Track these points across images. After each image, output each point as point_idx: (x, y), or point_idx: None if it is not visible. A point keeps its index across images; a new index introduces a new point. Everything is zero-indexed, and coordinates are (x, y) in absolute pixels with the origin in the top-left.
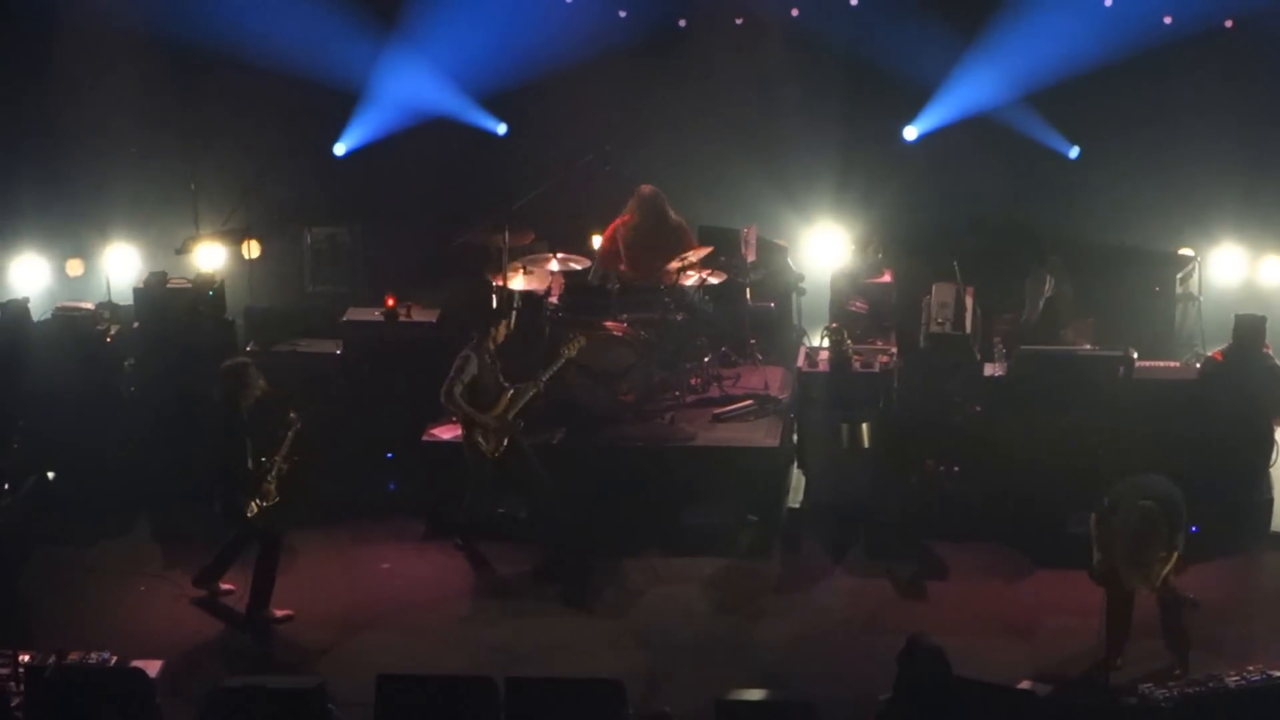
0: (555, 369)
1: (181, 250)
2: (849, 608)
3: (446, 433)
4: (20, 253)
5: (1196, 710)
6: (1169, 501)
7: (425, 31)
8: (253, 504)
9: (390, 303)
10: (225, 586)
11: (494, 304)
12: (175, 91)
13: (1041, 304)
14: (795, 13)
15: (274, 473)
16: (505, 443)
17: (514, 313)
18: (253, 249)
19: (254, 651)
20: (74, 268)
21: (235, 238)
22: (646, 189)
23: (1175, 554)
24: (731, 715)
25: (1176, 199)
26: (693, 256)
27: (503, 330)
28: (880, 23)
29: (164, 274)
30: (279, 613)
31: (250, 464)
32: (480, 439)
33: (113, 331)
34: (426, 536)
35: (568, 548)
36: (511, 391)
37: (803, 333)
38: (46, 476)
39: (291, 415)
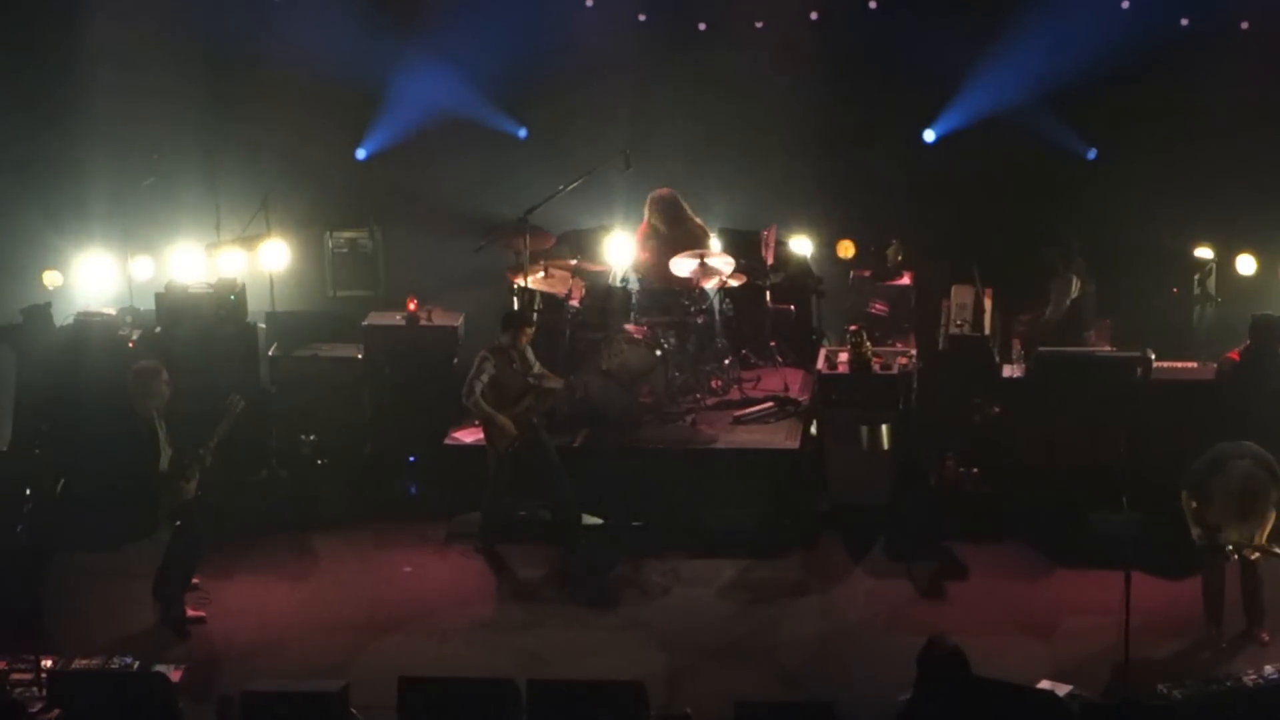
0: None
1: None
2: (868, 608)
3: (468, 436)
4: (44, 257)
5: (1214, 709)
6: (1264, 459)
7: (445, 35)
8: (164, 500)
9: (411, 306)
10: (192, 581)
11: (515, 305)
12: (196, 97)
13: (1067, 304)
14: (814, 16)
15: (196, 468)
16: (522, 441)
17: (535, 315)
18: (275, 254)
19: (275, 655)
20: (95, 272)
21: (256, 243)
22: (663, 191)
23: (1274, 514)
24: (751, 716)
25: (1193, 200)
26: (709, 257)
27: (525, 337)
28: (899, 25)
29: (185, 280)
30: (192, 612)
31: (164, 465)
32: (494, 436)
33: (134, 336)
34: (448, 540)
35: (588, 549)
36: (534, 391)
37: (822, 335)
38: (70, 482)
39: (233, 398)
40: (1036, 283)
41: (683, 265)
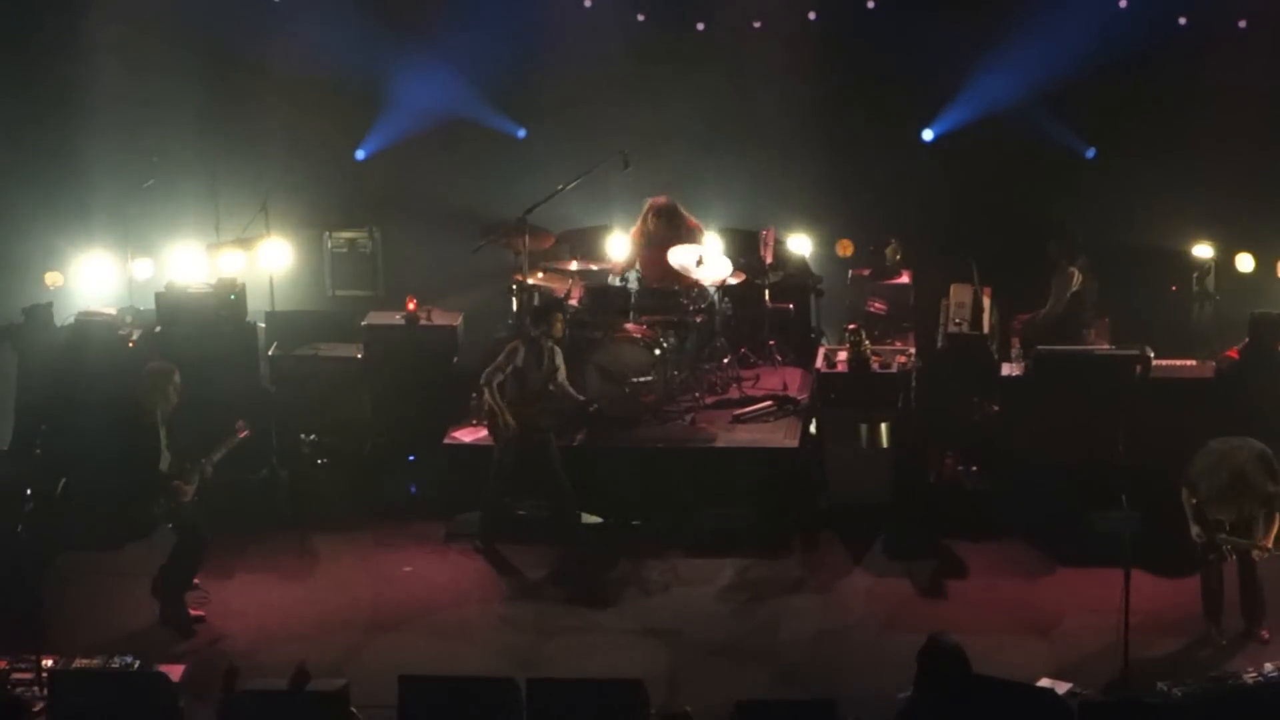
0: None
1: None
2: (868, 606)
3: (468, 435)
4: (45, 257)
5: (1214, 706)
6: (1263, 452)
7: (445, 36)
8: (160, 502)
9: (411, 306)
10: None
11: (515, 304)
12: (196, 97)
13: (1068, 298)
14: (813, 16)
15: (195, 476)
16: (529, 440)
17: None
18: (274, 254)
19: (275, 655)
20: (96, 272)
21: (256, 243)
22: (659, 201)
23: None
24: (752, 714)
25: (1192, 198)
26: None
27: (559, 324)
28: (897, 25)
29: (185, 280)
30: (192, 612)
31: (164, 466)
32: (495, 430)
33: (135, 336)
34: (448, 539)
35: (587, 548)
36: (550, 389)
37: (821, 334)
38: (71, 482)
39: (239, 424)
40: (1038, 278)
41: (680, 257)
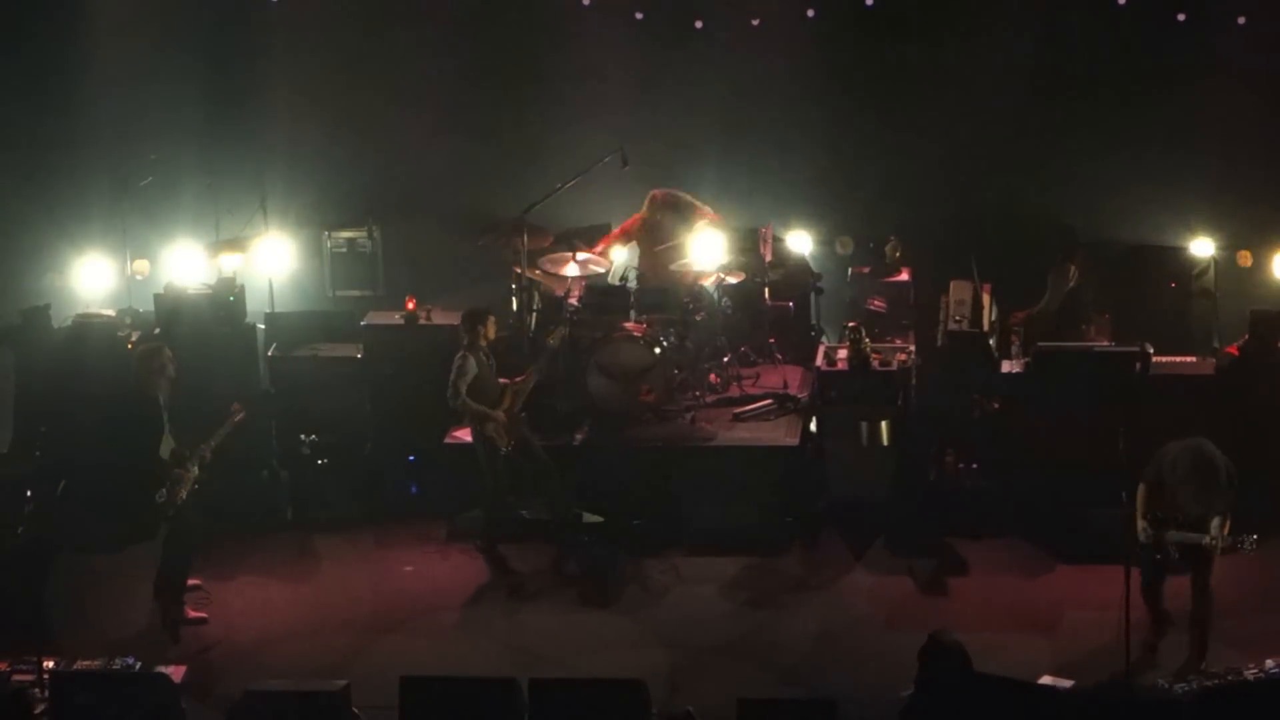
0: (545, 360)
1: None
2: (870, 605)
3: (469, 435)
4: (44, 258)
5: (1214, 703)
6: (1220, 455)
7: (444, 34)
8: (161, 491)
9: (411, 305)
10: (193, 582)
11: (515, 304)
12: (196, 97)
13: (1064, 293)
14: (811, 13)
15: (195, 462)
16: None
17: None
18: (274, 254)
19: (276, 655)
20: (95, 273)
21: (255, 243)
22: (659, 192)
23: (1228, 516)
24: (754, 713)
25: (1192, 195)
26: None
27: (491, 326)
28: (895, 22)
29: (184, 281)
30: (193, 613)
31: (166, 453)
32: (493, 435)
33: (134, 337)
34: (449, 539)
35: (588, 548)
36: (512, 387)
37: (821, 332)
38: (71, 483)
39: (234, 406)
40: (1037, 274)
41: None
